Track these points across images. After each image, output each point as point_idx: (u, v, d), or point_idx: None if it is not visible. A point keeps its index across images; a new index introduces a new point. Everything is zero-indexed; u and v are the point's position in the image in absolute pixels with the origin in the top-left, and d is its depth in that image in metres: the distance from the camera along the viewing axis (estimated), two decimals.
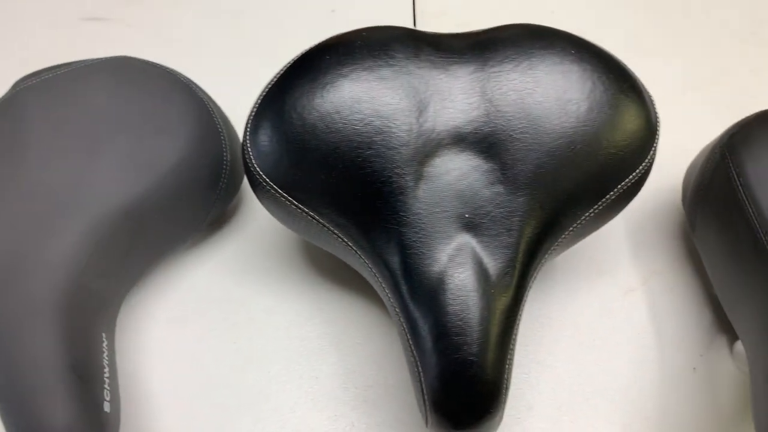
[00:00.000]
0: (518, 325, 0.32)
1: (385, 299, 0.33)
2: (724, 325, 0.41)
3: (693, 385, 0.39)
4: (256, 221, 0.45)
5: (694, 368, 0.40)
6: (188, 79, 0.41)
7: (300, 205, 0.33)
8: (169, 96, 0.38)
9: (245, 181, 0.44)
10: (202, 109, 0.39)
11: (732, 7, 0.60)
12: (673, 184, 0.46)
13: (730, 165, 0.37)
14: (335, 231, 0.33)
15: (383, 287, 0.32)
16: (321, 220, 0.33)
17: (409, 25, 0.57)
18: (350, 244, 0.33)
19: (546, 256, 0.33)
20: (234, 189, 0.42)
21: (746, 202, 0.35)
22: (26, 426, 0.30)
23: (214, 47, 0.55)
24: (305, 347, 0.40)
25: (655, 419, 0.38)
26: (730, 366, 0.39)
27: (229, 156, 0.40)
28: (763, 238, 0.34)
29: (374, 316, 0.41)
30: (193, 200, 0.39)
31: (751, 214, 0.35)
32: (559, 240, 0.33)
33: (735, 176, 0.36)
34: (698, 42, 0.58)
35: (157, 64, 0.40)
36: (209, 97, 0.41)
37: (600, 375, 0.39)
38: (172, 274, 0.43)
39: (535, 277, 0.33)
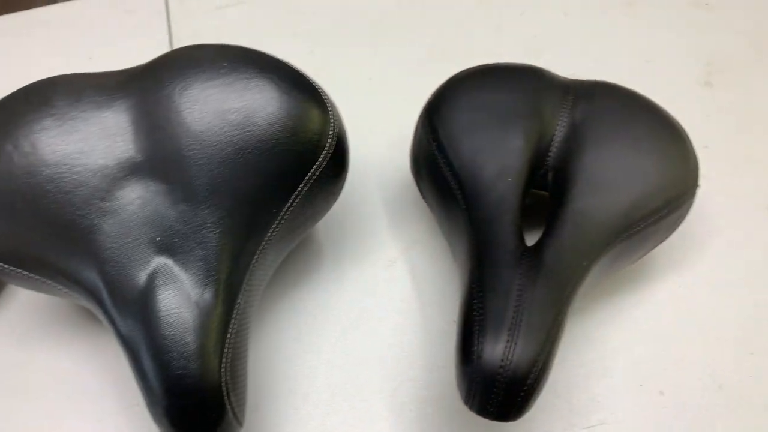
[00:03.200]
0: (241, 329, 0.34)
1: (112, 331, 0.34)
2: None
3: (454, 338, 0.42)
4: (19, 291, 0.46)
5: (455, 321, 0.42)
6: None
7: (11, 267, 0.34)
8: None
9: None
10: None
11: None
12: None
13: (428, 131, 0.40)
14: (51, 281, 0.34)
15: (104, 320, 0.34)
16: (34, 275, 0.34)
17: None
18: (67, 290, 0.34)
19: (256, 257, 0.35)
20: None
21: (441, 163, 0.38)
22: None
23: None
24: (88, 394, 0.41)
25: (421, 378, 0.40)
26: None
27: None
28: (456, 192, 0.37)
29: None
30: None
31: (446, 173, 0.38)
32: (266, 239, 0.35)
33: (431, 141, 0.39)
34: (438, 18, 0.61)
35: None
36: None
37: (368, 349, 0.42)
38: None
39: (248, 282, 0.35)
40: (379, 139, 0.51)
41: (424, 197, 0.43)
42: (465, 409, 0.39)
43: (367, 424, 0.39)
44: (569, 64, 0.48)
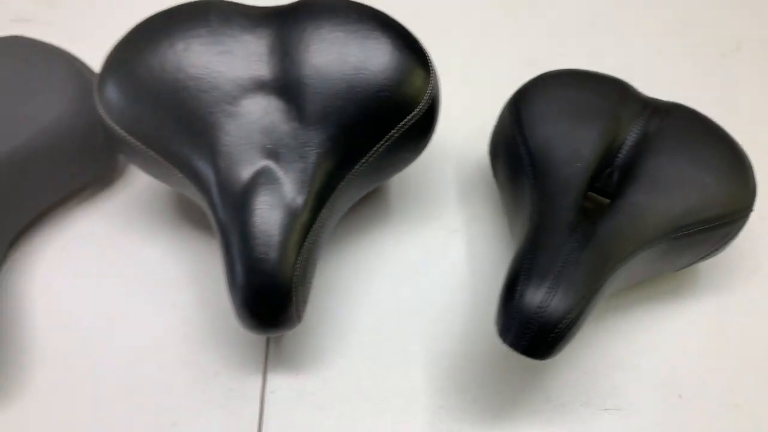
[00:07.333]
0: (317, 240, 0.39)
1: (210, 218, 0.40)
2: None
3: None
4: (141, 181, 0.52)
5: None
6: (73, 56, 0.48)
7: (142, 145, 0.40)
8: (50, 65, 0.46)
9: None
10: (79, 76, 0.46)
11: (580, 4, 0.69)
12: None
13: (512, 114, 0.44)
14: (168, 163, 0.40)
15: (207, 208, 0.39)
16: (156, 154, 0.40)
17: None
18: (181, 174, 0.40)
19: (342, 184, 0.40)
20: (112, 150, 0.49)
21: (518, 142, 0.42)
22: None
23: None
24: (167, 281, 0.47)
25: (459, 335, 0.44)
26: None
27: None
28: (528, 168, 0.41)
29: None
30: (71, 153, 0.46)
31: (522, 151, 0.42)
32: (352, 171, 0.40)
33: (514, 122, 0.44)
34: (543, 29, 0.66)
35: (45, 42, 0.48)
36: (90, 70, 0.49)
37: (416, 301, 0.46)
38: (62, 223, 0.49)
39: (332, 203, 0.40)
40: (460, 128, 0.56)
41: (495, 174, 0.47)
42: (491, 365, 0.42)
43: (401, 361, 0.43)
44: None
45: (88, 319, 0.45)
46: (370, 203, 0.51)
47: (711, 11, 0.68)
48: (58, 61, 0.47)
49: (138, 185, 0.52)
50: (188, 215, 0.50)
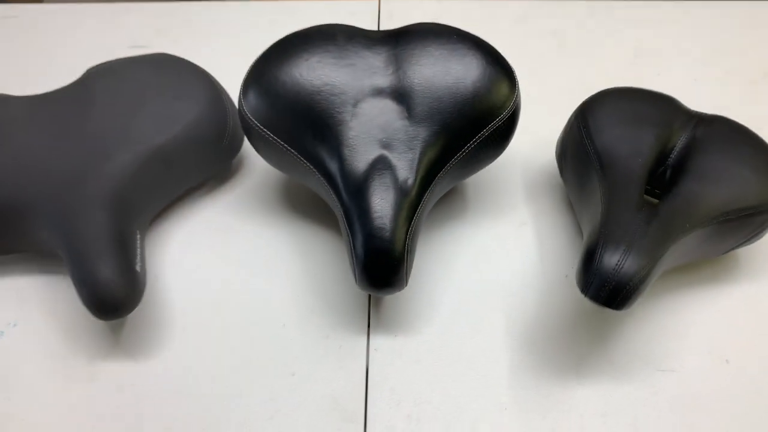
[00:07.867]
0: (420, 218, 0.47)
1: (331, 202, 0.48)
2: None
3: (565, 287, 0.53)
4: (253, 178, 0.61)
5: (566, 275, 0.54)
6: (204, 69, 0.58)
7: (276, 137, 0.49)
8: (189, 76, 0.55)
9: (246, 147, 0.61)
10: (212, 86, 0.56)
11: (625, 38, 0.78)
12: None
13: (579, 121, 0.53)
14: (299, 155, 0.49)
15: (330, 192, 0.48)
16: (289, 148, 0.49)
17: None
18: (309, 164, 0.49)
19: (441, 173, 0.48)
20: (236, 145, 0.58)
21: (586, 143, 0.51)
22: (85, 273, 0.45)
23: (221, 61, 0.73)
24: (279, 259, 0.55)
25: (532, 312, 0.51)
26: None
27: (231, 121, 0.56)
28: (595, 164, 0.49)
29: (333, 237, 0.56)
30: (205, 148, 0.55)
31: (590, 151, 0.50)
32: (450, 163, 0.48)
33: (581, 128, 0.52)
34: (592, 59, 0.75)
35: (183, 59, 0.58)
36: (218, 82, 0.58)
37: (493, 281, 0.53)
38: (188, 211, 0.58)
39: (431, 189, 0.48)
40: (525, 139, 0.64)
41: (562, 172, 0.55)
42: (561, 333, 0.50)
43: (484, 327, 0.50)
44: None
45: (215, 289, 0.53)
46: (451, 201, 0.59)
47: (741, 43, 0.77)
48: (195, 72, 0.56)
49: (251, 181, 0.61)
50: (294, 206, 0.59)
